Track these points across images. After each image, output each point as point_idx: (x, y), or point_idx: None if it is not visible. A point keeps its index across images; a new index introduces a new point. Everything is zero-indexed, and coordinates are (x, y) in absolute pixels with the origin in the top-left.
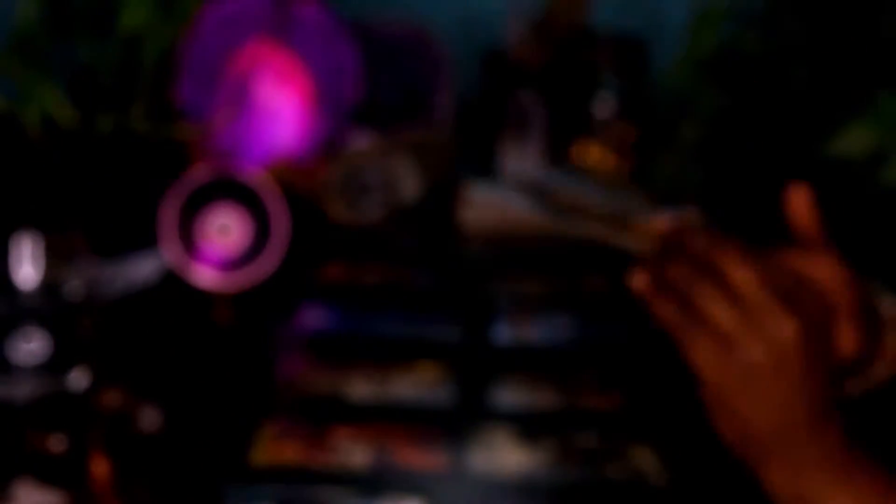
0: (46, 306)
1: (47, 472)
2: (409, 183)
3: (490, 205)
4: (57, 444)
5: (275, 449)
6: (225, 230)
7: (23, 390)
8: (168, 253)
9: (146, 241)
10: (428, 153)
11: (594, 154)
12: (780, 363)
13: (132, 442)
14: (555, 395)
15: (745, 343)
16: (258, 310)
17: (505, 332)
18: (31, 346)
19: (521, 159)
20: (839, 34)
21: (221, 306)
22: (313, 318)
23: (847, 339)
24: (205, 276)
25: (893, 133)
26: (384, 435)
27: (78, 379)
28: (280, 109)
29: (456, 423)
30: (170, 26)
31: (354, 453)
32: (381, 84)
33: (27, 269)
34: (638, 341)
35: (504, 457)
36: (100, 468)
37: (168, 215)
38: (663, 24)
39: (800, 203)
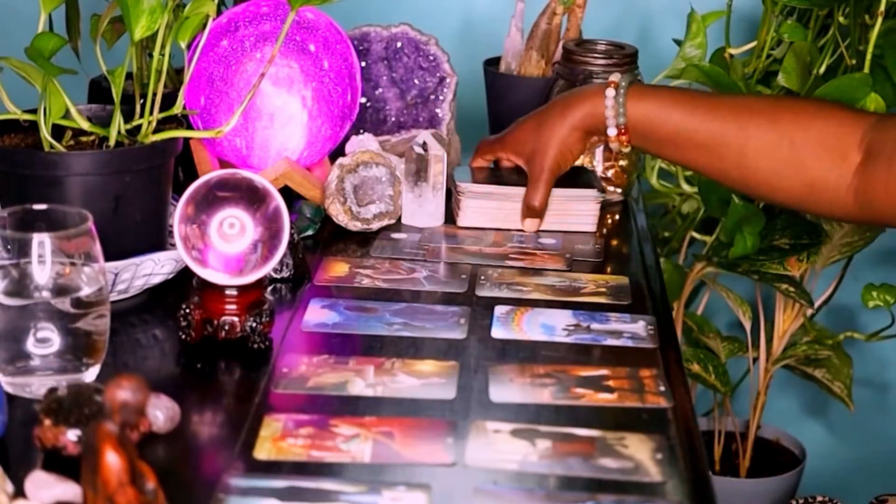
0: (61, 304)
1: (61, 466)
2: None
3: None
4: (70, 438)
5: (277, 443)
6: (232, 231)
7: (37, 385)
8: (178, 253)
9: (157, 241)
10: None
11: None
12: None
13: (143, 436)
14: (555, 389)
15: None
16: (263, 305)
17: (505, 327)
18: (46, 343)
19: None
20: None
21: (229, 301)
22: (316, 314)
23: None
24: (213, 275)
25: None
26: (386, 429)
27: (91, 374)
28: (285, 113)
29: (457, 416)
30: (179, 33)
31: (356, 447)
32: (382, 88)
33: (42, 268)
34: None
35: (505, 450)
36: (112, 462)
37: (178, 217)
38: (655, 40)
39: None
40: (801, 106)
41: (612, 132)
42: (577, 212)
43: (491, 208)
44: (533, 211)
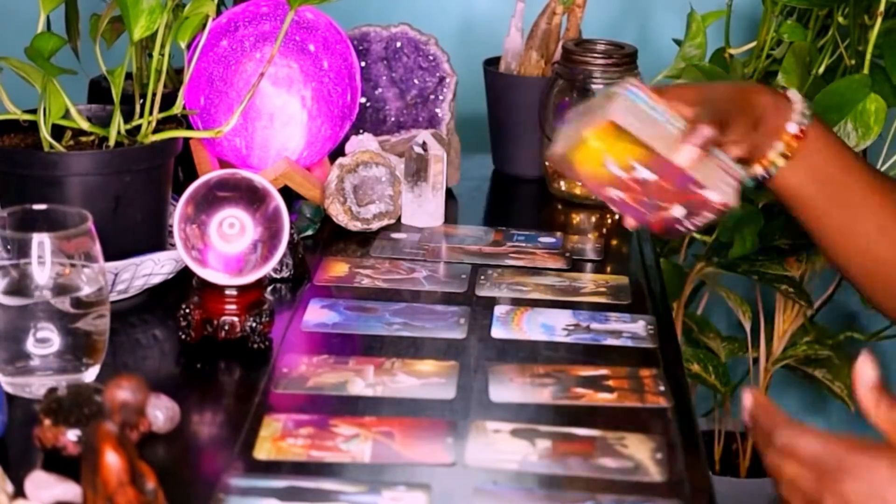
0: (60, 304)
1: (61, 466)
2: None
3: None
4: (70, 438)
5: (277, 443)
6: (232, 231)
7: (37, 385)
8: (178, 253)
9: (157, 241)
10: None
11: None
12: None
13: (143, 436)
14: (554, 389)
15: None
16: (263, 305)
17: (505, 327)
18: (45, 343)
19: (519, 163)
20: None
21: (229, 301)
22: (316, 314)
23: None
24: (213, 275)
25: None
26: (386, 429)
27: (91, 374)
28: (284, 113)
29: (457, 416)
30: (179, 33)
31: (356, 447)
32: (382, 88)
33: (42, 268)
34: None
35: (505, 450)
36: (112, 462)
37: (178, 217)
38: (655, 39)
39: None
40: None
41: (792, 129)
42: (721, 177)
43: (647, 114)
44: (697, 135)
